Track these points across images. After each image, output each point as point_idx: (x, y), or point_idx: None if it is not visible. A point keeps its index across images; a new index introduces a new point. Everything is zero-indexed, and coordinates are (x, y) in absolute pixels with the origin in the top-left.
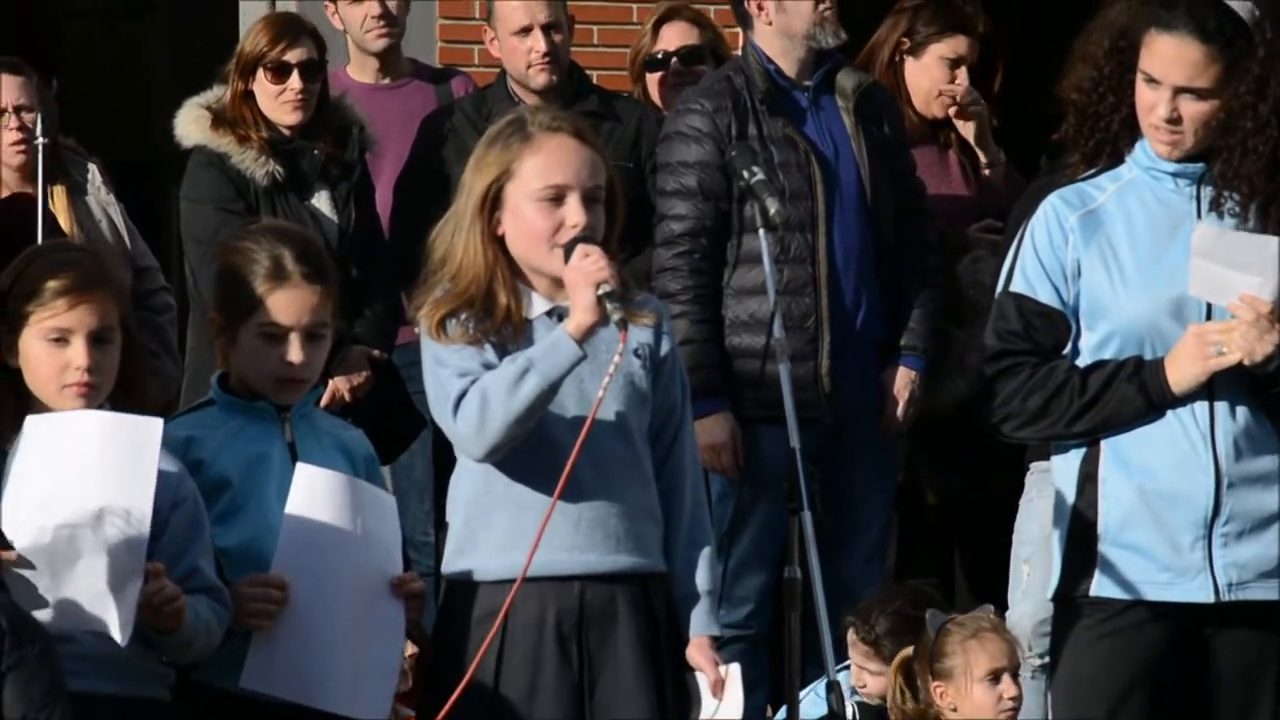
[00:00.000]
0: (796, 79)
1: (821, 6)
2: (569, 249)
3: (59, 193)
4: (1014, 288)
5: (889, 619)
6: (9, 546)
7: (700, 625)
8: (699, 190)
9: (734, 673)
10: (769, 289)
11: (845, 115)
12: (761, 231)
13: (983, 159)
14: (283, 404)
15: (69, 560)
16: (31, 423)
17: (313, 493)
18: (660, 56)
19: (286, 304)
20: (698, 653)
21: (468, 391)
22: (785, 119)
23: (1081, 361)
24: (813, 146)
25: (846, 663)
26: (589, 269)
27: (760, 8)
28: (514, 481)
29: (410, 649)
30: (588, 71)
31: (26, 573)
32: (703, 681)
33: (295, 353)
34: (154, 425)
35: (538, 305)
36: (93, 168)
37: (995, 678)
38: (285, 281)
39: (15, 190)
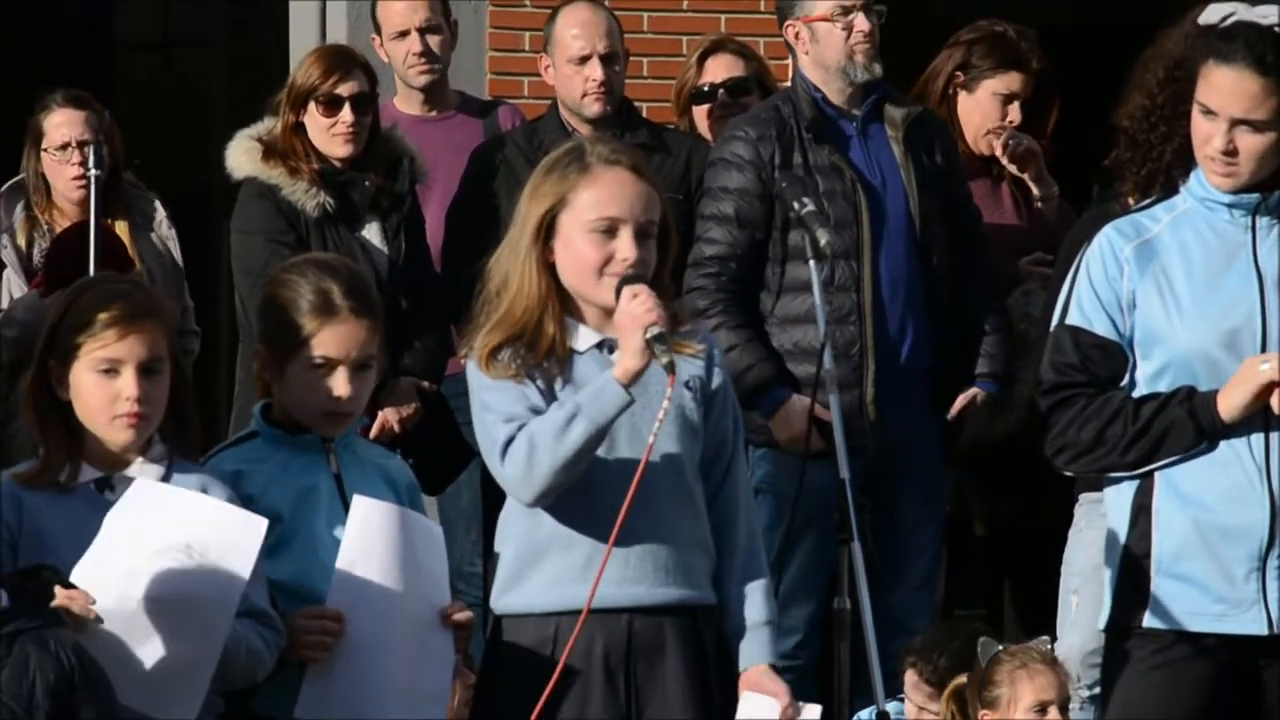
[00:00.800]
0: (845, 108)
1: (851, 40)
2: (618, 290)
3: (121, 227)
4: (1070, 321)
5: (951, 658)
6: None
7: (762, 654)
8: (735, 217)
9: (814, 712)
10: (819, 320)
11: (894, 144)
12: (812, 263)
13: (1036, 193)
14: (328, 436)
15: (145, 635)
16: (141, 487)
17: (369, 524)
18: (706, 89)
19: (335, 338)
20: (767, 680)
21: (515, 437)
22: (831, 147)
23: (1138, 393)
24: (859, 174)
25: (898, 696)
26: (637, 312)
27: (798, 36)
28: (564, 519)
29: (470, 679)
30: (638, 104)
31: (98, 630)
32: (761, 706)
33: (343, 387)
34: (259, 526)
35: (585, 337)
36: (158, 203)
37: (1042, 709)
38: (334, 316)
39: (75, 219)
